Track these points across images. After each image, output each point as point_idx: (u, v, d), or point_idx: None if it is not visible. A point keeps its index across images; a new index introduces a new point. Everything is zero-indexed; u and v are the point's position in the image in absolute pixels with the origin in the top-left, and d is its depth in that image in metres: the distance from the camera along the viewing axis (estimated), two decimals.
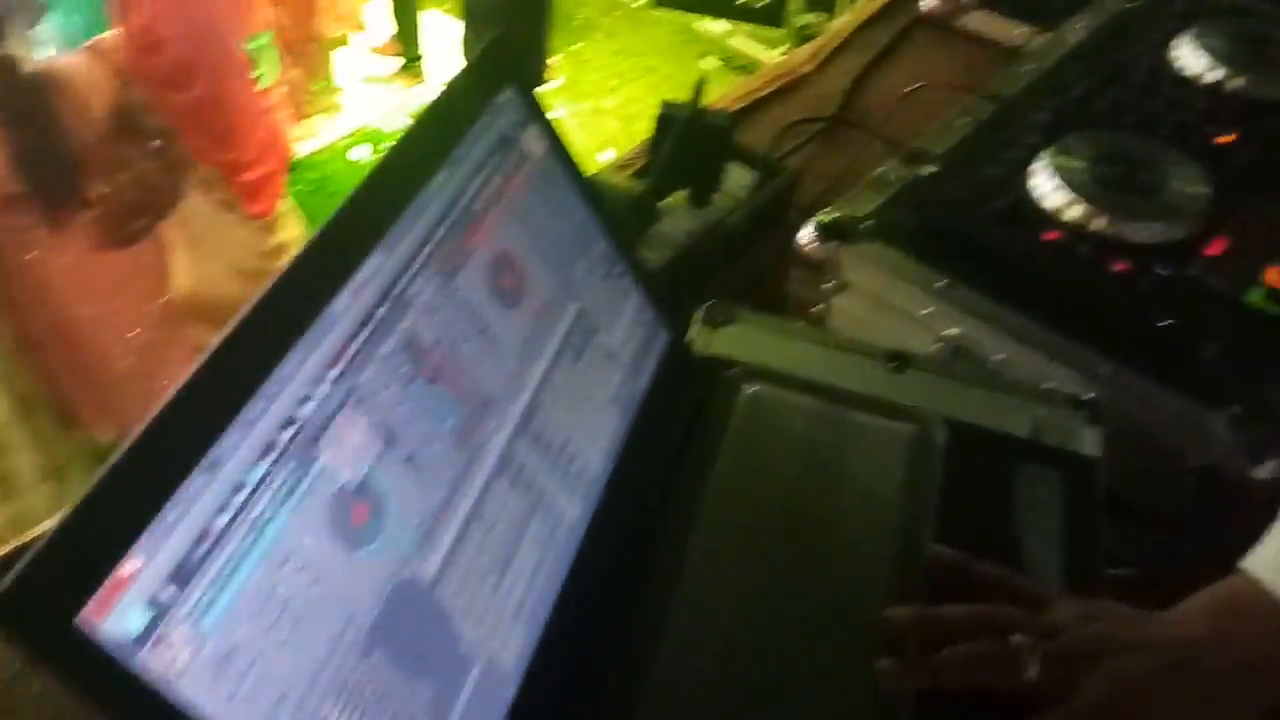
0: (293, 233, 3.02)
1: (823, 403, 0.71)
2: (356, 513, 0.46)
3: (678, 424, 0.69)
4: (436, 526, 0.49)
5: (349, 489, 0.45)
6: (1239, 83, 0.94)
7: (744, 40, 4.23)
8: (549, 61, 3.67)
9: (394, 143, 0.53)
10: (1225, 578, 0.58)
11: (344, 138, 3.78)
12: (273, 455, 0.42)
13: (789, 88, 1.27)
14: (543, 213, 0.61)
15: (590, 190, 0.66)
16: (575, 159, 0.65)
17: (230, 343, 0.42)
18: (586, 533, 0.59)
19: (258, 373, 0.43)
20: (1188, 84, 0.94)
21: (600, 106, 4.20)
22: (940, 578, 0.59)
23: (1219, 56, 0.95)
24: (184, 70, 2.39)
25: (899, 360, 0.75)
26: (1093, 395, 0.71)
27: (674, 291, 0.90)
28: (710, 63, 4.34)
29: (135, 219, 1.95)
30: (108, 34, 2.32)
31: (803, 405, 0.71)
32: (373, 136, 3.79)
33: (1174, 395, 0.71)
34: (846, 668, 0.56)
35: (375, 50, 4.04)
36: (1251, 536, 0.59)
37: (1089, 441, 0.69)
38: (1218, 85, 0.94)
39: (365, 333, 0.48)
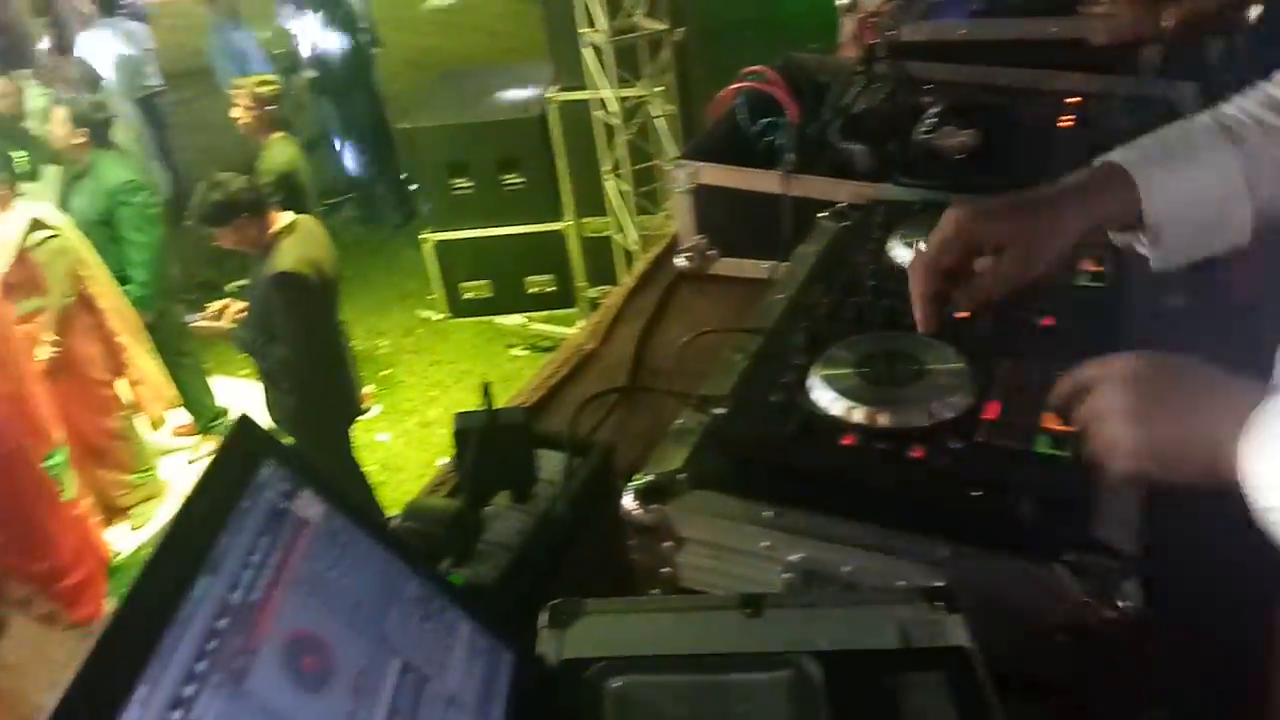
0: None
1: (692, 675, 0.67)
2: None
3: None
4: None
5: None
6: None
7: (542, 325, 4.47)
8: (364, 392, 3.72)
9: (149, 558, 0.49)
10: None
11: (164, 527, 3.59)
12: None
13: (580, 366, 1.32)
14: (336, 575, 0.57)
15: (386, 534, 0.63)
16: (362, 507, 0.62)
17: None
18: None
19: None
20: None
21: (425, 419, 4.23)
22: None
23: None
24: None
25: (752, 605, 0.73)
26: (941, 583, 0.71)
27: (517, 602, 0.86)
28: (519, 352, 4.53)
29: None
30: None
31: (673, 685, 0.66)
32: None
33: (1011, 559, 0.73)
34: None
35: (178, 432, 3.97)
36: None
37: (955, 631, 0.68)
38: None
39: None
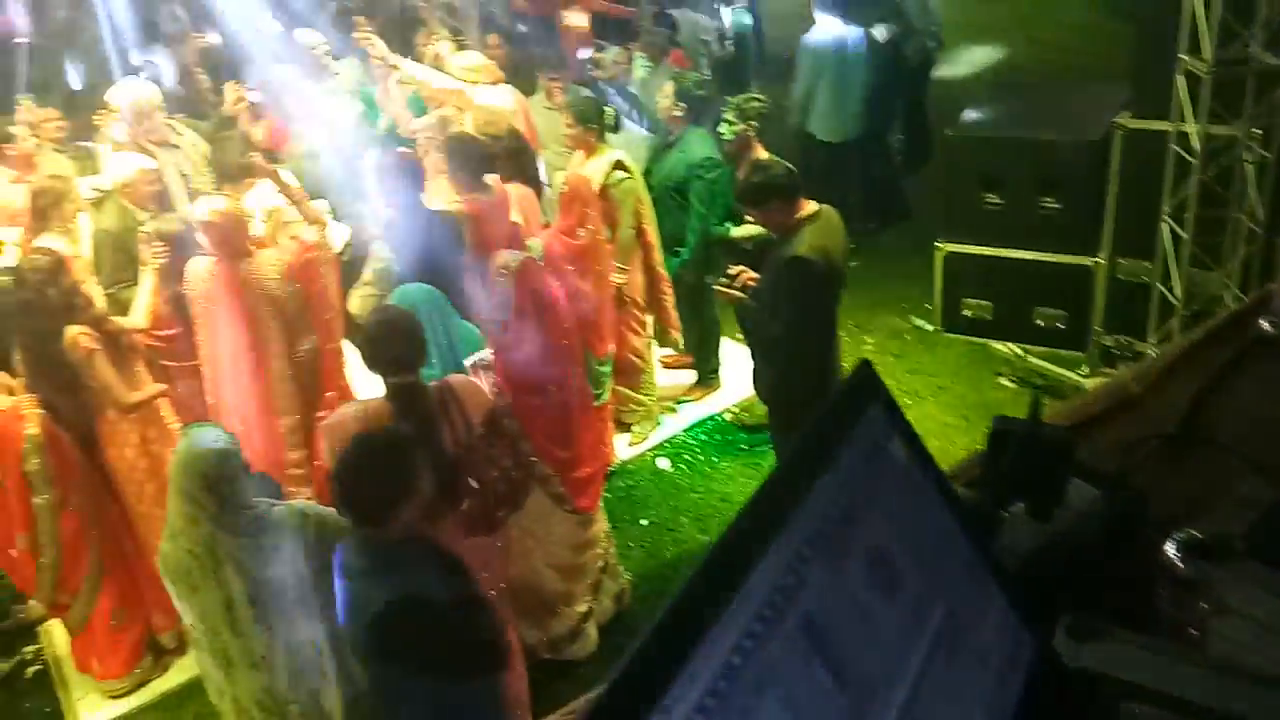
0: (600, 530, 3.28)
1: None
2: None
3: None
4: None
5: None
6: None
7: (1040, 361, 4.21)
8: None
9: (792, 448, 0.62)
10: None
11: (652, 449, 4.14)
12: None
13: (1120, 407, 1.27)
14: (909, 513, 0.67)
15: (952, 495, 0.71)
16: (937, 467, 0.71)
17: (673, 609, 0.50)
18: None
19: (697, 634, 0.50)
20: None
21: None
22: None
23: None
24: (540, 380, 2.85)
25: None
26: None
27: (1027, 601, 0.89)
28: (1007, 382, 4.32)
29: (499, 510, 2.23)
30: (483, 354, 2.84)
31: None
32: (674, 448, 4.13)
33: None
34: None
35: (664, 362, 4.47)
36: None
37: None
38: None
39: (773, 605, 0.54)
